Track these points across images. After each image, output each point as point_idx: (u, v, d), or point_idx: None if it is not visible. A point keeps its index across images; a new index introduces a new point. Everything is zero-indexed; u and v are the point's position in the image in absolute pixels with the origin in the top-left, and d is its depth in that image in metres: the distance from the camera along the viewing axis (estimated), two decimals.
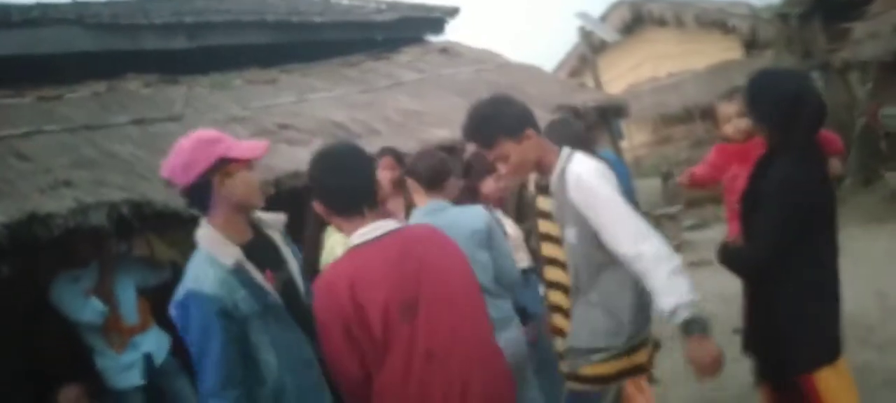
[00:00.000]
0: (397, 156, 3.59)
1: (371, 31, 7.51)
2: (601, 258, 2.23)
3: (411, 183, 3.07)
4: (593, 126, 6.21)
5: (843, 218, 8.90)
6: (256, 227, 2.26)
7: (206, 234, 2.11)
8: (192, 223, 4.90)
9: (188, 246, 6.55)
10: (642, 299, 2.26)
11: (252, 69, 6.34)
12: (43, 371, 4.19)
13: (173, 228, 5.80)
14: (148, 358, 4.06)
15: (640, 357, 2.33)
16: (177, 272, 5.43)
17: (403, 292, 2.00)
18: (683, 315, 2.04)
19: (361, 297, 1.96)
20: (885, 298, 5.26)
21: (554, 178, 2.30)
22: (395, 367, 1.98)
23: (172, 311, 2.07)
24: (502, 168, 2.33)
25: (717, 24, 14.29)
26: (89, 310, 3.83)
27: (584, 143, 2.73)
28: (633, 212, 2.18)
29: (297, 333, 2.17)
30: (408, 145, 4.81)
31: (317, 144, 4.86)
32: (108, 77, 5.59)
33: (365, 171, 2.15)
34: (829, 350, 2.31)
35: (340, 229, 2.17)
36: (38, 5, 6.09)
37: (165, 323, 4.26)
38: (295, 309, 2.19)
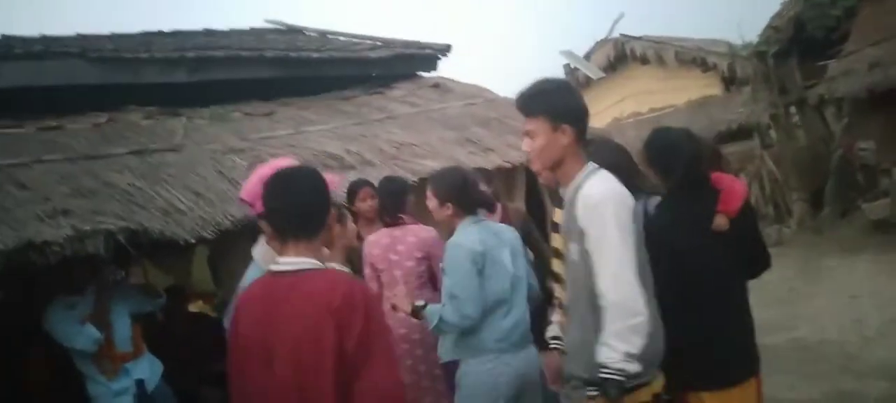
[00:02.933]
0: (374, 187, 3.84)
1: (366, 66, 7.67)
2: None
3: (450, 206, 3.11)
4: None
5: (821, 248, 9.15)
6: None
7: (260, 251, 2.40)
8: (187, 251, 4.95)
9: (182, 273, 6.56)
10: (657, 336, 2.14)
11: (251, 102, 6.46)
12: (34, 397, 4.22)
13: (169, 256, 5.89)
14: (140, 385, 4.06)
15: (642, 396, 2.14)
16: (175, 296, 5.52)
17: (264, 337, 1.88)
18: (606, 374, 2.01)
19: (237, 331, 1.97)
20: (864, 327, 5.40)
21: (570, 190, 2.23)
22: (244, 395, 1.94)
23: (225, 323, 2.29)
24: (527, 145, 2.28)
25: (697, 62, 14.61)
26: (84, 338, 3.84)
27: (624, 171, 2.56)
28: (627, 253, 2.07)
29: None
30: (401, 176, 4.94)
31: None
32: (109, 109, 5.68)
33: (302, 197, 1.98)
34: (713, 377, 2.48)
35: (276, 252, 2.09)
36: (42, 38, 6.19)
37: (158, 350, 4.33)
38: None
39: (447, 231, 3.28)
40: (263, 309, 1.91)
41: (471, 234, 3.02)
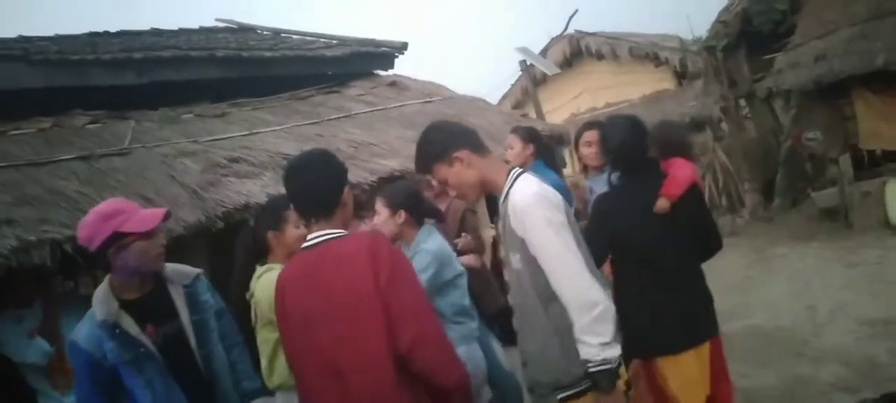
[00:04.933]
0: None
1: (322, 65, 7.60)
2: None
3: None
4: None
5: (773, 236, 9.36)
6: (159, 281, 2.49)
7: (97, 292, 2.39)
8: None
9: None
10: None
11: (202, 103, 6.32)
12: None
13: None
14: None
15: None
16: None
17: (305, 303, 2.07)
18: (592, 368, 2.06)
19: (281, 304, 2.16)
20: (816, 313, 5.52)
21: (500, 201, 2.26)
22: (300, 377, 2.16)
23: None
24: (450, 191, 2.34)
25: (650, 57, 14.86)
26: (33, 351, 3.72)
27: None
28: (569, 249, 2.10)
29: (170, 381, 2.39)
30: (359, 176, 4.89)
31: (267, 177, 4.88)
32: (54, 113, 5.50)
33: (316, 181, 2.16)
34: (651, 347, 2.68)
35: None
36: None
37: None
38: (178, 358, 2.42)
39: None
40: (299, 280, 2.12)
41: (436, 239, 3.11)
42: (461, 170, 2.23)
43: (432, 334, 2.06)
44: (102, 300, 2.34)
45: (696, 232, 2.82)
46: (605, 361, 2.05)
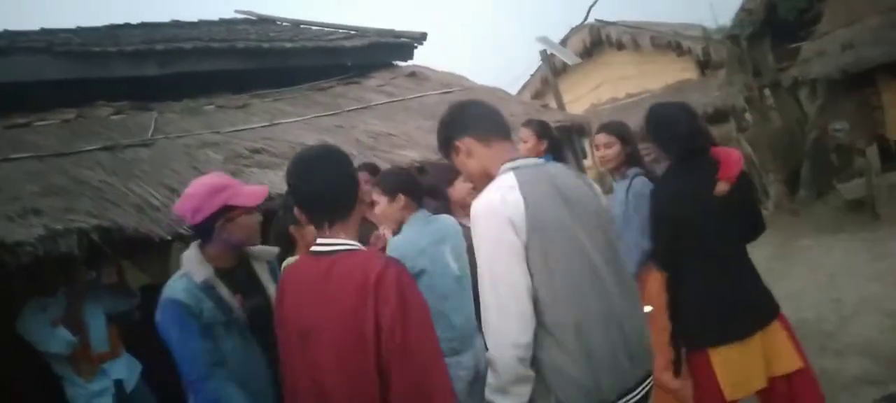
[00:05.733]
0: (372, 170, 3.83)
1: (341, 56, 7.60)
2: None
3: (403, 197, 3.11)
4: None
5: (798, 228, 9.25)
6: (245, 257, 2.54)
7: (189, 255, 2.41)
8: (163, 247, 4.90)
9: (159, 271, 6.49)
10: (579, 368, 1.86)
11: (223, 95, 6.35)
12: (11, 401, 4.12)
13: (144, 253, 5.78)
14: (119, 385, 4.01)
15: None
16: (149, 296, 5.42)
17: (302, 317, 1.92)
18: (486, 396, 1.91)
19: (280, 308, 2.04)
20: (842, 306, 5.45)
21: None
22: (290, 388, 2.00)
23: (157, 323, 2.33)
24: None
25: (672, 47, 14.72)
26: (56, 341, 3.79)
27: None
28: (492, 273, 1.85)
29: (255, 350, 2.42)
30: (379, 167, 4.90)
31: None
32: (78, 105, 5.55)
33: (329, 180, 1.97)
34: (716, 335, 2.64)
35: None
36: (6, 34, 6.02)
37: (136, 349, 4.25)
38: (261, 332, 2.39)
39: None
40: (301, 289, 1.96)
41: (411, 232, 3.02)
42: (463, 160, 2.12)
43: (429, 387, 1.78)
44: (198, 263, 2.38)
45: (744, 216, 2.83)
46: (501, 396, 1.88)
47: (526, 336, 1.83)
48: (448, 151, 2.16)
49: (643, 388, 1.97)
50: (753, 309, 2.71)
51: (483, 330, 1.91)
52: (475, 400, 3.01)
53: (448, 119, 2.17)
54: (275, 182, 4.67)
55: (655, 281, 3.01)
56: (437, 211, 3.23)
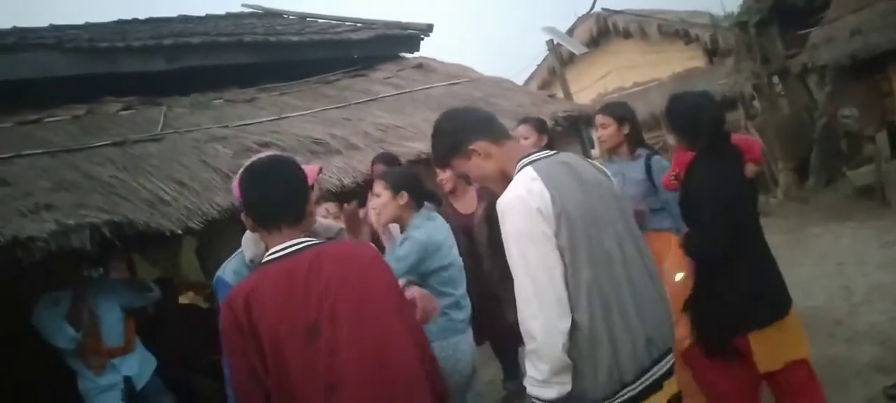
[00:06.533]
0: (388, 161, 4.05)
1: (348, 49, 7.61)
2: None
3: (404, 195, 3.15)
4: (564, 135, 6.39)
5: (807, 216, 9.18)
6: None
7: (246, 235, 2.46)
8: (174, 241, 4.92)
9: (170, 264, 6.52)
10: (605, 352, 1.90)
11: (231, 89, 6.38)
12: (26, 395, 4.17)
13: (155, 248, 5.83)
14: (128, 381, 4.05)
15: None
16: (164, 288, 5.50)
17: (302, 314, 1.88)
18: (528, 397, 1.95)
19: (255, 317, 1.87)
20: (851, 293, 5.42)
21: None
22: (304, 394, 1.86)
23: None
24: (474, 183, 2.29)
25: (680, 35, 14.63)
26: (62, 336, 3.84)
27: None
28: (528, 264, 1.87)
29: None
30: None
31: (297, 161, 4.92)
32: (87, 100, 5.59)
33: (283, 185, 2.04)
34: (759, 318, 2.66)
35: (265, 242, 2.09)
36: (15, 30, 6.06)
37: (149, 343, 4.29)
38: None
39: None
40: (288, 290, 1.89)
41: (429, 227, 3.09)
42: (479, 163, 2.10)
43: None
44: (252, 241, 2.39)
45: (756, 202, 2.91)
46: (535, 397, 1.91)
47: (566, 322, 1.87)
48: (456, 157, 2.13)
49: (663, 365, 2.03)
50: (784, 289, 2.78)
51: (521, 326, 1.90)
52: (471, 398, 3.20)
53: (453, 125, 2.16)
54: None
55: (657, 242, 3.05)
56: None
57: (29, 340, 3.92)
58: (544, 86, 15.50)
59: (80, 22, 7.10)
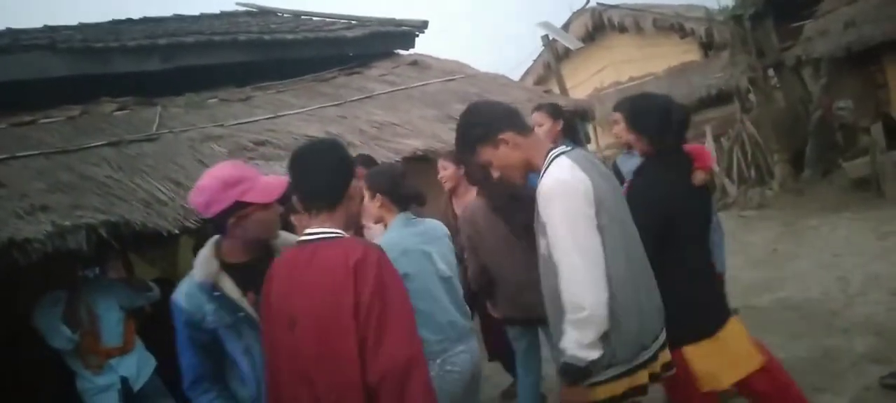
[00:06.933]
0: (366, 163, 3.80)
1: (342, 46, 7.60)
2: None
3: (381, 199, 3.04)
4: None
5: (803, 208, 9.21)
6: (267, 248, 2.34)
7: (201, 251, 2.29)
8: (171, 241, 4.91)
9: (167, 264, 6.51)
10: (633, 320, 2.14)
11: (226, 88, 6.37)
12: (26, 395, 4.17)
13: (152, 248, 5.82)
14: (125, 382, 4.04)
15: (641, 378, 2.20)
16: (162, 288, 5.49)
17: (289, 302, 1.97)
18: (564, 359, 2.07)
19: (266, 297, 2.06)
20: (847, 284, 5.44)
21: (538, 181, 2.19)
22: (273, 376, 2.03)
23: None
24: (494, 172, 2.32)
25: (675, 28, 14.64)
26: (59, 337, 3.84)
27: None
28: (575, 246, 2.04)
29: None
30: (382, 156, 4.91)
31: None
32: (82, 101, 5.58)
33: (318, 172, 2.07)
34: (696, 330, 2.63)
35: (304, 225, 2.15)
36: (9, 32, 6.05)
37: (147, 342, 4.28)
38: None
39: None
40: (287, 277, 2.01)
41: (398, 232, 2.95)
42: (507, 152, 2.23)
43: (406, 366, 1.82)
44: (203, 261, 2.24)
45: (706, 212, 2.87)
46: (575, 358, 2.05)
47: (606, 293, 2.06)
48: (484, 145, 2.24)
49: (663, 334, 2.31)
50: (721, 303, 2.78)
51: (566, 300, 2.05)
52: (471, 400, 3.03)
53: (485, 115, 2.29)
54: (280, 174, 4.68)
55: None
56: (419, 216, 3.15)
57: (29, 340, 3.92)
58: (540, 81, 15.50)
59: (74, 22, 7.10)
